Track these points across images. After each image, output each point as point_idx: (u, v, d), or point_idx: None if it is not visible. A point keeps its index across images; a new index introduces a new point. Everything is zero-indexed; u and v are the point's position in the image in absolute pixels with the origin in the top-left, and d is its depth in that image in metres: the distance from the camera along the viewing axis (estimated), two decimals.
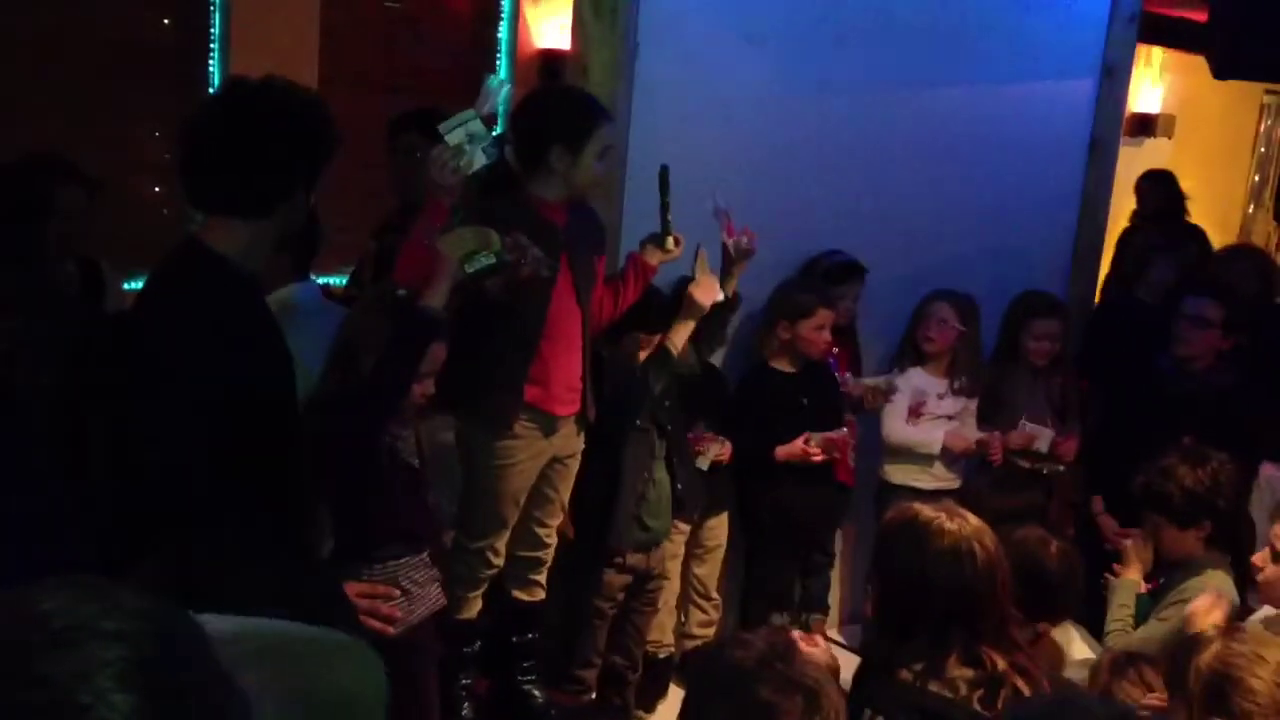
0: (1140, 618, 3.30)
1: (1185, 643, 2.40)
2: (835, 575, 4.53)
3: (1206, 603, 2.80)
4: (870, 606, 2.39)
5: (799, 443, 4.01)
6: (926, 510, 2.33)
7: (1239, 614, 3.10)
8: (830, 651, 2.43)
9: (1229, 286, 4.56)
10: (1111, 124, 4.98)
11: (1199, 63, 5.25)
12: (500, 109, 3.79)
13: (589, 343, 3.46)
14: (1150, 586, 3.39)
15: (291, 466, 2.51)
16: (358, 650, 1.35)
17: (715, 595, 4.20)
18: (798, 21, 4.08)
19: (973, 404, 4.43)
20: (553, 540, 3.58)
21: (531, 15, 6.12)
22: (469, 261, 2.90)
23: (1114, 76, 4.90)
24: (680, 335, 3.56)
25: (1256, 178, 8.66)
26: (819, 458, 4.03)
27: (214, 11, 5.28)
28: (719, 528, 4.15)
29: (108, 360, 2.33)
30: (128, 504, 2.23)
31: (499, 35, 6.13)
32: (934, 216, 4.54)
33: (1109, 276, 5.51)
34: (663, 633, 4.07)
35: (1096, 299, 5.29)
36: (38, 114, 4.74)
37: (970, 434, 4.38)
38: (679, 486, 3.74)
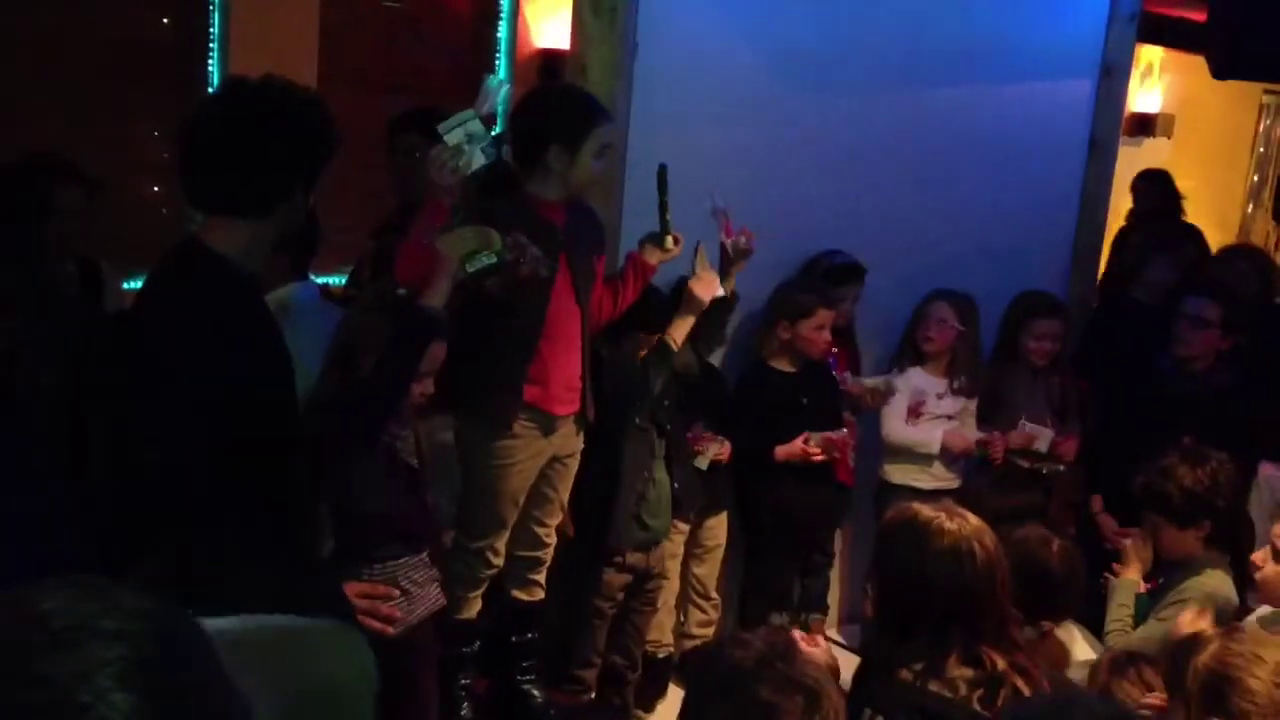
0: (1140, 617, 3.30)
1: (1184, 642, 2.40)
2: (834, 575, 4.53)
3: (1190, 617, 2.79)
4: (869, 606, 2.39)
5: (798, 442, 4.01)
6: (926, 510, 2.33)
7: (1238, 614, 3.10)
8: (830, 652, 2.43)
9: (1228, 286, 4.56)
10: (1111, 124, 4.98)
11: (1198, 62, 5.26)
12: (499, 109, 3.79)
13: (588, 342, 3.46)
14: (1150, 586, 3.39)
15: (291, 466, 2.51)
16: (345, 637, 1.35)
17: (714, 595, 4.20)
18: (797, 21, 4.08)
19: (972, 404, 4.43)
20: (552, 540, 3.58)
21: (531, 14, 6.12)
22: (470, 261, 2.90)
23: (1113, 76, 4.90)
24: (680, 330, 3.56)
25: (1255, 177, 8.66)
26: (818, 457, 4.03)
27: (213, 11, 5.29)
28: (718, 527, 4.15)
29: (108, 360, 2.33)
30: (128, 504, 2.23)
31: (498, 34, 6.14)
32: (933, 216, 4.54)
33: (1104, 276, 5.52)
34: (662, 632, 4.07)
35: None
36: (38, 114, 4.74)
37: (970, 434, 4.38)
38: (675, 486, 3.75)
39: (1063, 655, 3.08)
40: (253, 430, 2.27)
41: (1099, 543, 3.92)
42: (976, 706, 2.15)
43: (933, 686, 2.18)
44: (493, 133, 3.01)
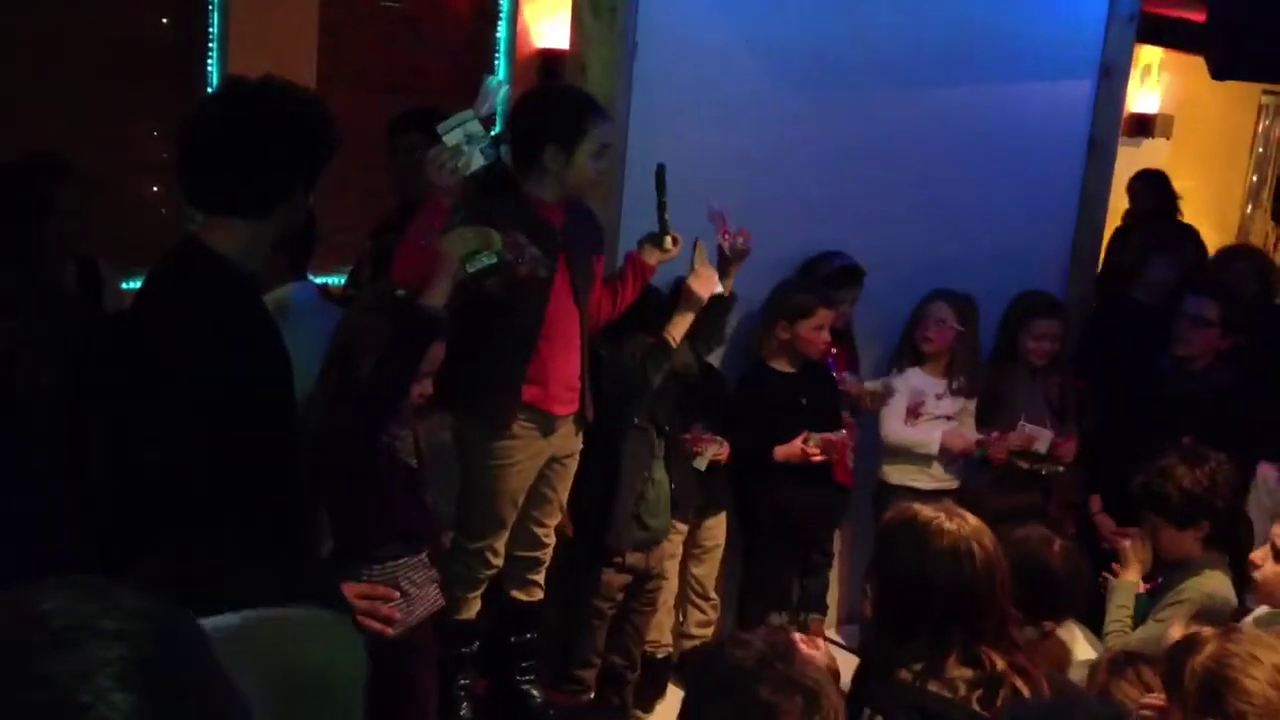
0: (1139, 618, 3.30)
1: (1182, 643, 2.40)
2: (833, 575, 4.53)
3: (1178, 632, 2.79)
4: (868, 607, 2.40)
5: (798, 443, 4.01)
6: (926, 510, 2.33)
7: (1236, 615, 3.10)
8: (830, 653, 2.43)
9: (1228, 286, 4.57)
10: (1110, 124, 4.98)
11: (1197, 63, 5.26)
12: (498, 110, 3.79)
13: (587, 342, 3.46)
14: (1149, 587, 3.40)
15: (291, 466, 2.51)
16: (335, 626, 1.36)
17: (713, 595, 4.20)
18: (796, 21, 4.08)
19: (971, 404, 4.43)
20: (551, 540, 3.58)
21: (530, 14, 6.12)
22: (470, 261, 2.91)
23: (1112, 76, 4.90)
24: (679, 328, 3.57)
25: (1254, 178, 8.66)
26: (818, 458, 4.03)
27: (212, 11, 5.29)
28: (717, 528, 4.15)
29: (108, 360, 2.33)
30: (128, 504, 2.23)
31: (498, 35, 6.14)
32: (932, 216, 4.54)
33: (1101, 275, 5.52)
34: (661, 633, 4.07)
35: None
36: (38, 114, 4.75)
37: (969, 434, 4.38)
38: (673, 486, 3.75)
39: (1064, 655, 3.08)
40: (253, 430, 2.27)
41: (1098, 543, 3.92)
42: (976, 707, 2.15)
43: (932, 687, 2.18)
44: (491, 133, 3.02)
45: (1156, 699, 2.45)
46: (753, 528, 4.21)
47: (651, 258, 3.52)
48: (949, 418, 4.39)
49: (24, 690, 0.81)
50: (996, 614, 2.25)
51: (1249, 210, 8.66)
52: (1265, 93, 8.41)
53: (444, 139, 2.89)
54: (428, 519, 2.97)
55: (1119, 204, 6.37)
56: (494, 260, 2.94)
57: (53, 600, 0.86)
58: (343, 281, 4.56)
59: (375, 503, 2.78)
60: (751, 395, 4.11)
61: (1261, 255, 5.87)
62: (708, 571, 4.17)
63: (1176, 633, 2.74)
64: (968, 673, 2.19)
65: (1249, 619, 2.96)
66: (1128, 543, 3.43)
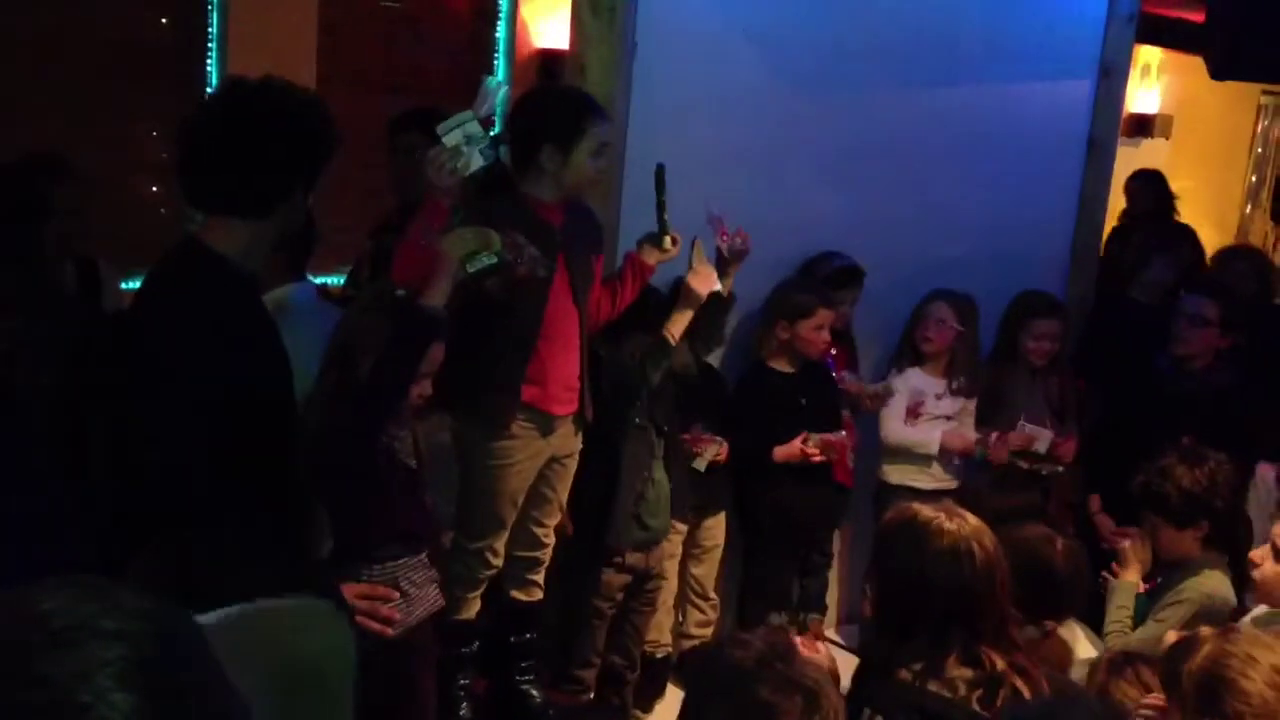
0: (1139, 618, 3.30)
1: (1180, 644, 2.41)
2: (833, 575, 4.53)
3: (1173, 639, 2.79)
4: (868, 607, 2.39)
5: (797, 443, 4.01)
6: (925, 510, 2.33)
7: (1235, 615, 3.10)
8: (830, 653, 2.43)
9: (1227, 286, 4.57)
10: (1109, 124, 4.98)
11: (1196, 63, 5.26)
12: (498, 111, 3.80)
13: (586, 342, 3.46)
14: (1148, 587, 3.40)
15: (291, 466, 2.51)
16: (330, 617, 1.36)
17: (713, 595, 4.20)
18: (795, 20, 4.08)
19: (971, 404, 4.43)
20: (551, 540, 3.58)
21: (529, 14, 6.12)
22: (470, 261, 2.91)
23: (1112, 77, 4.90)
24: (678, 326, 3.57)
25: (1254, 178, 8.65)
26: (817, 458, 4.03)
27: (212, 11, 5.29)
28: (716, 528, 4.15)
29: (108, 360, 2.33)
30: (128, 504, 2.23)
31: (497, 34, 6.14)
32: (932, 216, 4.54)
33: (1099, 275, 5.52)
34: (660, 632, 4.07)
35: None
36: (38, 114, 4.75)
37: (969, 434, 4.38)
38: (671, 485, 3.75)
39: (1065, 654, 3.08)
40: (252, 430, 2.28)
41: (1097, 543, 3.92)
42: (976, 707, 2.15)
43: (932, 686, 2.18)
44: (490, 134, 3.02)
45: (1156, 699, 2.45)
46: (752, 528, 4.21)
47: (651, 257, 3.52)
48: (949, 418, 4.39)
49: (24, 690, 0.81)
50: (996, 614, 2.25)
51: (1248, 210, 8.66)
52: (1264, 93, 8.40)
53: (443, 140, 2.89)
54: (427, 519, 2.97)
55: (1116, 204, 6.38)
56: (493, 260, 2.95)
57: (53, 600, 0.86)
58: (342, 281, 4.56)
59: (375, 503, 2.78)
60: (751, 395, 4.11)
61: (1261, 255, 5.88)
62: (707, 571, 4.17)
63: (1173, 639, 2.74)
64: (968, 673, 2.19)
65: (1247, 619, 2.96)
66: (1127, 543, 3.43)
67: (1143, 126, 7.93)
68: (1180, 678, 2.26)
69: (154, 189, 5.31)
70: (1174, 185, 6.49)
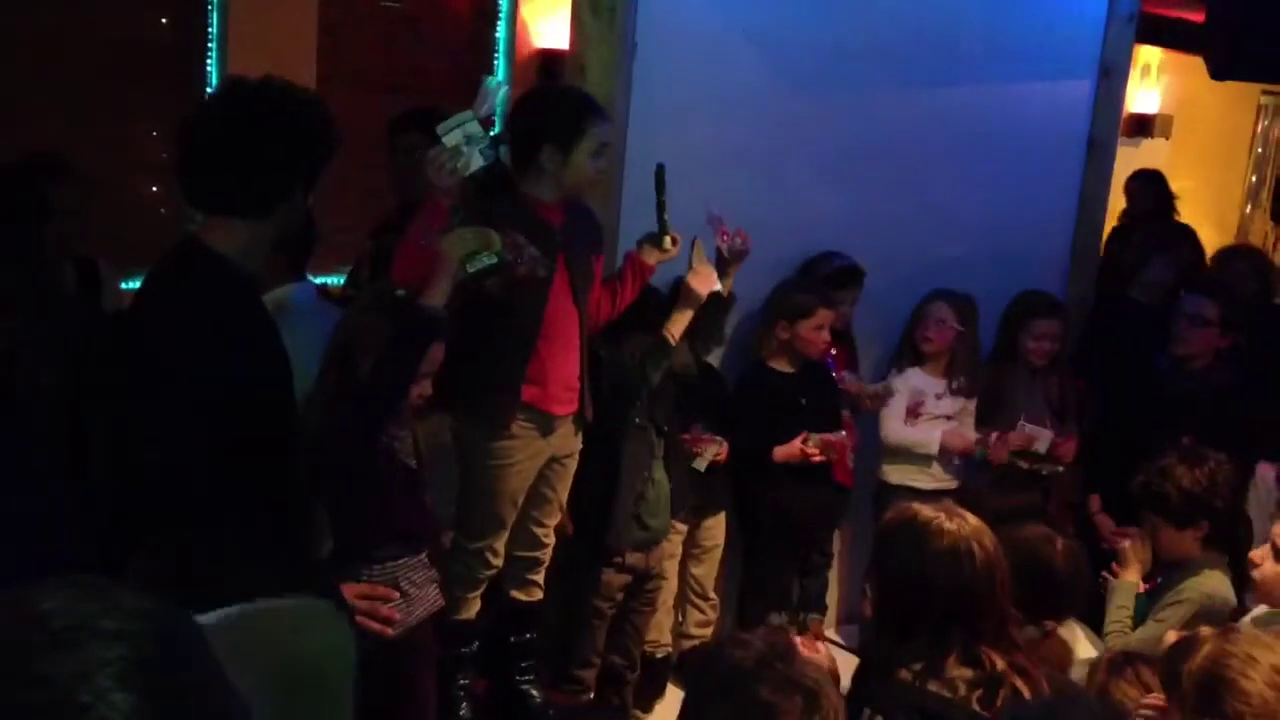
0: (1139, 618, 3.30)
1: (1180, 644, 2.41)
2: (833, 575, 4.53)
3: (1173, 640, 2.79)
4: (868, 607, 2.39)
5: (797, 443, 4.01)
6: (926, 510, 2.33)
7: (1235, 615, 3.10)
8: (830, 653, 2.43)
9: (1227, 286, 4.57)
10: (1109, 124, 4.98)
11: (1196, 63, 5.26)
12: (498, 111, 3.80)
13: (586, 342, 3.46)
14: (1148, 587, 3.40)
15: (291, 466, 2.51)
16: (329, 616, 1.36)
17: (713, 595, 4.20)
18: (795, 21, 4.08)
19: (971, 404, 4.43)
20: (550, 540, 3.58)
21: (529, 14, 6.12)
22: (470, 261, 2.91)
23: (1111, 77, 4.90)
24: (678, 325, 3.57)
25: (1254, 178, 8.65)
26: (817, 458, 4.03)
27: (212, 11, 5.29)
28: (716, 528, 4.15)
29: (108, 360, 2.33)
30: (128, 504, 2.23)
31: (497, 34, 6.14)
32: (932, 216, 4.54)
33: (1099, 275, 5.52)
34: (660, 632, 4.07)
35: None
36: (38, 114, 4.75)
37: (969, 434, 4.38)
38: (671, 485, 3.75)
39: (1066, 654, 3.08)
40: (252, 430, 2.28)
41: (1097, 543, 3.92)
42: (976, 707, 2.15)
43: (932, 687, 2.18)
44: (490, 134, 3.02)
45: (1156, 699, 2.45)
46: (752, 528, 4.21)
47: (651, 258, 3.52)
48: (949, 418, 4.39)
49: (24, 690, 0.81)
50: (996, 614, 2.25)
51: (1248, 210, 8.66)
52: (1264, 93, 8.41)
53: (443, 140, 2.89)
54: (427, 519, 2.97)
55: (1116, 204, 6.38)
56: (493, 260, 2.95)
57: (53, 600, 0.86)
58: (342, 281, 4.56)
59: (375, 503, 2.78)
60: (751, 395, 4.11)
61: (1261, 255, 5.87)
62: (707, 571, 4.17)
63: (1173, 639, 2.74)
64: (968, 673, 2.19)
65: (1247, 618, 2.96)
66: (1127, 543, 3.43)
67: (1143, 126, 7.93)
68: (1180, 678, 2.26)
69: (154, 189, 5.31)
70: (1174, 185, 6.49)
